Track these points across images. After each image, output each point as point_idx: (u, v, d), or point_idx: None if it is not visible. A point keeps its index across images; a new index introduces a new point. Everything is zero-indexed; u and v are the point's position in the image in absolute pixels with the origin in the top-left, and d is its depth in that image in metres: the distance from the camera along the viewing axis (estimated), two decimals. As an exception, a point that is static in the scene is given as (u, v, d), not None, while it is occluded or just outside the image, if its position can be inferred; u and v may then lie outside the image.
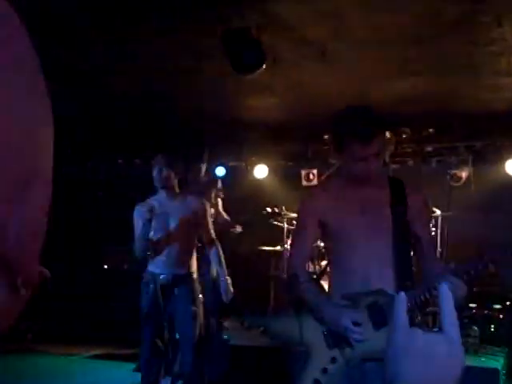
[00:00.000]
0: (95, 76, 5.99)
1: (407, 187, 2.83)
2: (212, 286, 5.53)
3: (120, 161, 9.33)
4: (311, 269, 6.79)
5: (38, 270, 0.56)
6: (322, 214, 2.86)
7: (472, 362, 5.48)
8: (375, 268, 2.72)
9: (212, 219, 5.38)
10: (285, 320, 2.96)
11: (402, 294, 0.85)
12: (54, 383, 6.33)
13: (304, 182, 8.33)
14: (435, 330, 0.83)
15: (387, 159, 7.47)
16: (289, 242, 7.27)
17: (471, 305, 6.53)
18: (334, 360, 2.68)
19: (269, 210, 7.78)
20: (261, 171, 8.74)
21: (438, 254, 2.91)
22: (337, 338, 2.69)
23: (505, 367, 5.66)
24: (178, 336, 4.89)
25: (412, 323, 2.47)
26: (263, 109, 7.24)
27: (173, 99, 6.92)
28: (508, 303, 6.67)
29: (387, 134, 2.64)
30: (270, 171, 8.78)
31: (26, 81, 0.52)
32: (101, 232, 8.67)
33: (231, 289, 5.00)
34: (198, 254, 5.09)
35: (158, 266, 4.78)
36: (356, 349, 2.63)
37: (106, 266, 8.28)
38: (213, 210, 6.24)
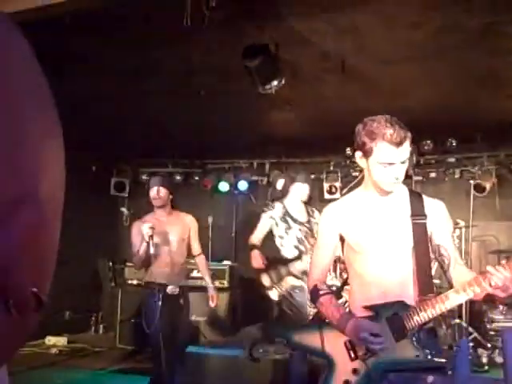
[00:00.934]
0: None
1: (426, 199, 2.84)
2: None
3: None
4: (333, 281, 6.79)
5: (31, 292, 0.56)
6: (342, 226, 2.88)
7: (499, 375, 5.40)
8: (395, 279, 2.72)
9: None
10: (307, 331, 2.98)
11: (465, 341, 0.86)
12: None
13: (326, 195, 8.34)
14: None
15: (410, 171, 7.46)
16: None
17: (497, 317, 6.46)
18: (355, 371, 2.68)
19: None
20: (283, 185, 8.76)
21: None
22: (358, 350, 2.70)
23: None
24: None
25: (435, 335, 2.43)
26: (285, 123, 7.28)
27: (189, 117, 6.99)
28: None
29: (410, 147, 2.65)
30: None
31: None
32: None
33: (215, 294, 5.50)
34: None
35: (163, 278, 5.09)
36: (377, 360, 2.64)
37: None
38: None
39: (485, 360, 6.09)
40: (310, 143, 7.99)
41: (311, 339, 2.87)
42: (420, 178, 7.98)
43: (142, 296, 5.27)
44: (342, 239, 2.91)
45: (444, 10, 4.12)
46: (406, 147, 2.61)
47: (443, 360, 2.67)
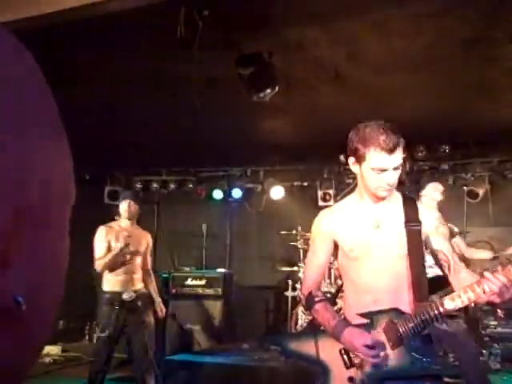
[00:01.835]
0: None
1: (420, 205, 2.84)
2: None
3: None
4: (328, 288, 6.79)
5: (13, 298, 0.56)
6: (336, 232, 2.87)
7: (494, 381, 5.41)
8: (390, 286, 2.72)
9: None
10: (302, 339, 2.97)
11: None
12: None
13: (320, 203, 8.36)
14: None
15: (403, 178, 7.48)
16: (304, 262, 7.28)
17: (492, 323, 6.47)
18: (351, 380, 2.67)
19: (284, 232, 7.85)
20: (277, 192, 8.78)
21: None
22: (353, 358, 2.69)
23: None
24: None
25: (431, 342, 2.41)
26: (278, 131, 7.29)
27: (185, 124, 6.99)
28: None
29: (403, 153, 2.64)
30: (286, 192, 8.81)
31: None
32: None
33: (163, 307, 5.84)
34: None
35: (119, 286, 5.48)
36: (373, 368, 2.63)
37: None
38: None
39: (480, 366, 6.09)
40: (304, 150, 8.01)
41: (306, 347, 2.86)
42: (413, 184, 7.99)
43: (99, 303, 5.64)
44: (336, 245, 2.91)
45: (437, 18, 4.15)
46: (399, 153, 2.60)
47: (439, 367, 2.67)
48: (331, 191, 8.38)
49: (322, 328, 2.81)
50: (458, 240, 5.68)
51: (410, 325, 2.57)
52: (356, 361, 2.67)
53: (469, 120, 6.65)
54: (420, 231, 2.72)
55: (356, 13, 4.05)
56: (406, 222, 2.74)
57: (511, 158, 7.65)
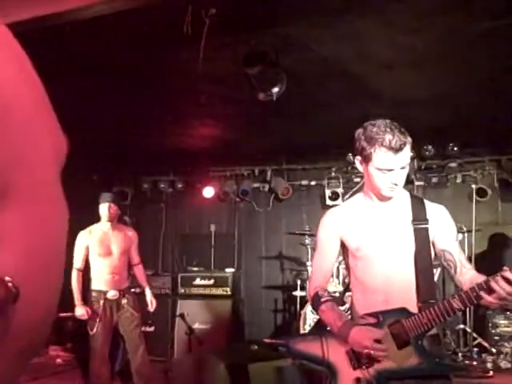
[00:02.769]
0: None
1: (428, 204, 2.81)
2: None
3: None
4: (337, 287, 6.77)
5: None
6: (342, 231, 2.85)
7: (504, 380, 5.38)
8: (397, 286, 2.70)
9: None
10: (308, 340, 2.95)
11: None
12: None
13: (328, 202, 8.34)
14: None
15: (412, 176, 7.46)
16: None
17: (502, 322, 6.43)
18: (358, 380, 2.65)
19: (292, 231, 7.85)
20: (284, 191, 8.77)
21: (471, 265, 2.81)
22: (360, 358, 2.67)
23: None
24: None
25: (439, 342, 2.40)
26: (285, 130, 7.28)
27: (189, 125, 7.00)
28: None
29: (411, 152, 2.61)
30: (293, 191, 8.80)
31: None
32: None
33: (154, 299, 6.04)
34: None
35: (104, 285, 5.72)
36: (380, 368, 2.61)
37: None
38: None
39: (489, 365, 6.06)
40: (311, 149, 8.00)
41: (313, 348, 2.84)
42: (422, 183, 7.97)
43: (87, 302, 5.78)
44: (343, 245, 2.89)
45: (444, 15, 4.12)
46: (406, 153, 2.58)
47: (447, 367, 2.64)
48: (339, 190, 8.36)
49: (328, 328, 2.79)
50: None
51: (417, 324, 2.55)
52: (363, 361, 2.65)
53: (477, 117, 6.61)
54: (427, 230, 2.70)
55: (362, 9, 4.04)
56: (414, 220, 2.72)
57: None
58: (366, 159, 2.64)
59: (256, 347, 7.37)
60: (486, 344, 6.59)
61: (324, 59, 4.91)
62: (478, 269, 2.76)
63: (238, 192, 9.08)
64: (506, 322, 6.44)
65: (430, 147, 7.52)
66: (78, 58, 4.78)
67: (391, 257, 2.71)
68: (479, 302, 2.45)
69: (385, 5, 3.98)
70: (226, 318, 8.00)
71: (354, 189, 7.97)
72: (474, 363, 6.28)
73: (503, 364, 6.04)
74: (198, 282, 8.26)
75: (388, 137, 2.54)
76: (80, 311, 5.66)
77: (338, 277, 7.00)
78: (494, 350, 6.33)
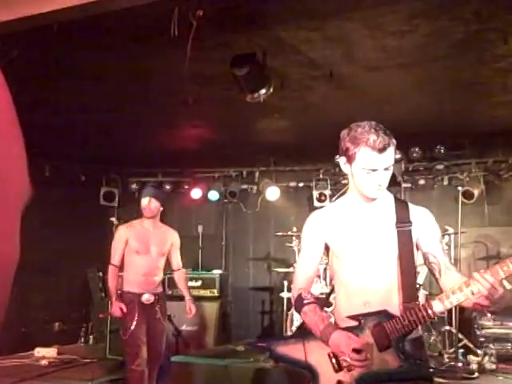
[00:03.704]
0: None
1: (412, 206, 2.82)
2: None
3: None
4: (323, 289, 6.79)
5: None
6: (326, 234, 2.85)
7: (489, 381, 5.41)
8: (379, 288, 2.70)
9: None
10: (290, 343, 2.95)
11: None
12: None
13: (316, 203, 8.36)
14: None
15: (399, 178, 7.49)
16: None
17: (487, 323, 6.47)
18: (339, 383, 2.65)
19: (279, 233, 7.87)
20: (273, 193, 8.77)
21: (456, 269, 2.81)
22: (342, 361, 2.67)
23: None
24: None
25: (422, 344, 2.37)
26: (274, 132, 7.29)
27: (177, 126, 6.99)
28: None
29: (397, 154, 2.61)
30: (281, 193, 8.81)
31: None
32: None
33: (194, 307, 5.65)
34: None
35: (138, 287, 5.33)
36: (361, 372, 2.61)
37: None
38: None
39: (475, 367, 6.10)
40: (299, 151, 8.02)
41: (294, 350, 2.84)
42: (409, 185, 8.00)
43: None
44: (327, 247, 2.90)
45: (431, 18, 4.15)
46: (390, 154, 2.59)
47: (429, 369, 2.64)
48: (327, 192, 8.38)
49: (310, 331, 2.78)
50: None
51: (398, 326, 2.55)
52: (344, 364, 2.65)
53: (464, 120, 6.66)
54: (410, 232, 2.70)
55: (350, 12, 4.05)
56: (397, 222, 2.72)
57: (506, 159, 7.66)
58: (350, 159, 2.64)
59: (243, 348, 7.37)
60: (471, 345, 6.62)
61: (312, 61, 4.92)
62: (463, 271, 2.77)
63: (226, 193, 9.07)
64: (491, 323, 6.47)
65: (416, 149, 7.56)
66: (64, 59, 4.75)
67: (373, 259, 2.71)
68: (461, 304, 2.47)
69: (372, 8, 4.00)
70: (214, 319, 7.99)
71: (342, 191, 7.99)
72: (459, 364, 6.31)
73: (488, 365, 6.06)
74: (189, 284, 8.25)
75: (372, 137, 2.54)
76: (114, 307, 5.26)
77: (324, 278, 7.01)
78: (479, 352, 6.36)
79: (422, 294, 5.75)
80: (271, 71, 4.83)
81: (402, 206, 2.79)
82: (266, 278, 9.07)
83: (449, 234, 6.99)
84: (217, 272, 8.51)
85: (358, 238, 2.74)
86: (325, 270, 6.85)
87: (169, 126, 7.08)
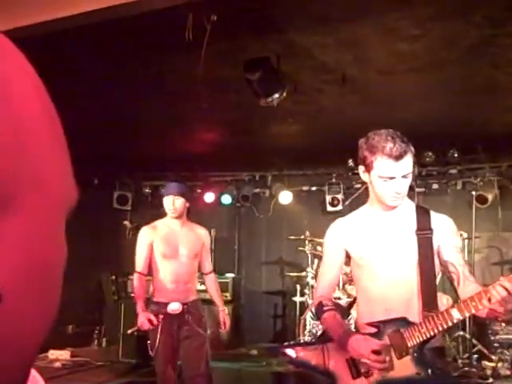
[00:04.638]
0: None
1: (433, 214, 2.81)
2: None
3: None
4: (337, 293, 6.77)
5: None
6: (346, 242, 2.87)
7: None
8: (399, 295, 2.70)
9: None
10: (310, 348, 2.96)
11: None
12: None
13: (329, 208, 8.35)
14: None
15: (412, 183, 7.45)
16: (314, 267, 7.29)
17: (501, 329, 6.42)
18: None
19: (292, 237, 7.87)
20: (285, 197, 8.77)
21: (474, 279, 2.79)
22: (360, 367, 2.67)
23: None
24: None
25: (443, 354, 2.34)
26: (286, 136, 7.30)
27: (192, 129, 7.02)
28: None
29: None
30: (294, 197, 8.81)
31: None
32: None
33: (228, 319, 5.11)
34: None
35: (165, 296, 4.75)
36: (379, 378, 2.61)
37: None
38: None
39: (489, 372, 6.06)
40: (312, 155, 8.01)
41: (314, 356, 2.86)
42: (422, 189, 7.97)
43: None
44: (347, 254, 2.91)
45: (443, 22, 4.14)
46: (407, 161, 2.59)
47: (447, 379, 2.62)
48: (340, 196, 8.37)
49: (330, 337, 2.80)
50: None
51: (416, 334, 2.55)
52: (363, 370, 2.65)
53: (477, 124, 6.63)
54: (431, 239, 2.70)
55: (362, 16, 4.06)
56: (418, 230, 2.72)
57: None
58: (368, 168, 2.66)
59: (256, 352, 7.38)
60: (485, 351, 6.58)
61: (324, 65, 4.93)
62: (477, 276, 2.76)
63: (239, 197, 9.09)
64: (505, 329, 6.43)
65: (430, 153, 7.53)
66: (79, 63, 4.80)
67: (394, 266, 2.71)
68: (477, 313, 2.45)
69: (385, 13, 4.01)
70: (226, 323, 7.99)
71: (355, 195, 7.99)
72: (474, 370, 6.27)
73: (503, 371, 6.03)
74: (198, 287, 8.24)
75: (389, 145, 2.55)
76: (141, 319, 4.59)
77: (338, 284, 7.00)
78: (493, 357, 6.32)
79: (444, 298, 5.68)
80: (284, 75, 4.84)
81: (423, 214, 2.78)
82: (279, 281, 9.06)
83: (462, 239, 6.96)
84: (229, 276, 8.52)
85: (378, 246, 2.75)
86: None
87: (182, 130, 7.11)
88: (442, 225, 2.75)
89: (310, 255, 7.53)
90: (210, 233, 5.39)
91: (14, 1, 3.49)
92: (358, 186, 8.18)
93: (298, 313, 7.60)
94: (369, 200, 2.87)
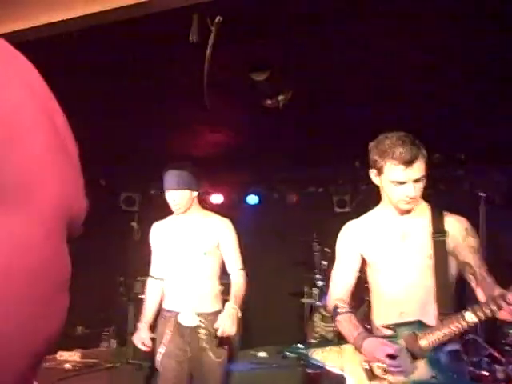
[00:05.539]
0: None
1: (449, 216, 2.78)
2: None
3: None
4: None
5: None
6: (361, 244, 2.86)
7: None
8: (414, 298, 2.69)
9: None
10: (326, 350, 2.95)
11: None
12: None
13: (336, 209, 8.32)
14: None
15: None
16: (322, 268, 7.27)
17: None
18: None
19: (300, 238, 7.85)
20: (291, 198, 8.76)
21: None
22: (375, 370, 2.66)
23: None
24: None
25: (460, 358, 2.35)
26: (292, 136, 7.28)
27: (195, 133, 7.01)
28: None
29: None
30: (301, 198, 8.79)
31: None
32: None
33: (234, 325, 4.26)
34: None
35: (175, 303, 4.18)
36: (394, 381, 2.59)
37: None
38: None
39: (500, 376, 6.01)
40: (318, 156, 7.99)
41: (330, 358, 2.85)
42: (429, 190, 7.93)
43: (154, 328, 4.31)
44: (361, 257, 2.90)
45: (453, 20, 4.12)
46: (419, 166, 2.57)
47: (465, 382, 2.60)
48: (346, 197, 8.34)
49: (344, 339, 2.80)
50: None
51: (430, 337, 2.52)
52: (377, 372, 2.64)
53: (485, 125, 6.59)
54: (446, 242, 2.68)
55: (369, 15, 4.04)
56: (433, 232, 2.70)
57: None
58: (379, 172, 2.65)
59: (264, 354, 7.36)
60: (496, 354, 6.53)
61: (331, 65, 4.91)
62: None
63: (245, 198, 9.08)
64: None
65: (437, 154, 7.49)
66: (84, 64, 4.80)
67: (410, 270, 2.70)
68: (494, 316, 2.43)
69: (392, 13, 3.99)
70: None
71: (361, 196, 7.94)
72: (485, 373, 6.22)
73: (513, 374, 5.98)
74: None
75: (399, 149, 2.54)
76: (136, 338, 3.99)
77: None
78: (504, 360, 6.26)
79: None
80: (290, 76, 4.82)
81: (437, 216, 2.77)
82: (287, 283, 9.04)
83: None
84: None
85: (394, 250, 2.74)
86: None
87: (188, 132, 7.11)
88: (456, 226, 2.74)
89: (317, 257, 7.50)
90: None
91: (14, 1, 3.49)
92: (365, 187, 8.14)
93: (306, 314, 7.58)
94: (382, 202, 2.86)
